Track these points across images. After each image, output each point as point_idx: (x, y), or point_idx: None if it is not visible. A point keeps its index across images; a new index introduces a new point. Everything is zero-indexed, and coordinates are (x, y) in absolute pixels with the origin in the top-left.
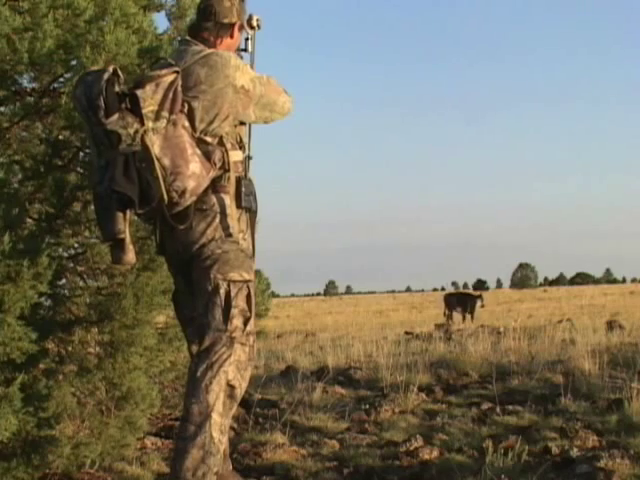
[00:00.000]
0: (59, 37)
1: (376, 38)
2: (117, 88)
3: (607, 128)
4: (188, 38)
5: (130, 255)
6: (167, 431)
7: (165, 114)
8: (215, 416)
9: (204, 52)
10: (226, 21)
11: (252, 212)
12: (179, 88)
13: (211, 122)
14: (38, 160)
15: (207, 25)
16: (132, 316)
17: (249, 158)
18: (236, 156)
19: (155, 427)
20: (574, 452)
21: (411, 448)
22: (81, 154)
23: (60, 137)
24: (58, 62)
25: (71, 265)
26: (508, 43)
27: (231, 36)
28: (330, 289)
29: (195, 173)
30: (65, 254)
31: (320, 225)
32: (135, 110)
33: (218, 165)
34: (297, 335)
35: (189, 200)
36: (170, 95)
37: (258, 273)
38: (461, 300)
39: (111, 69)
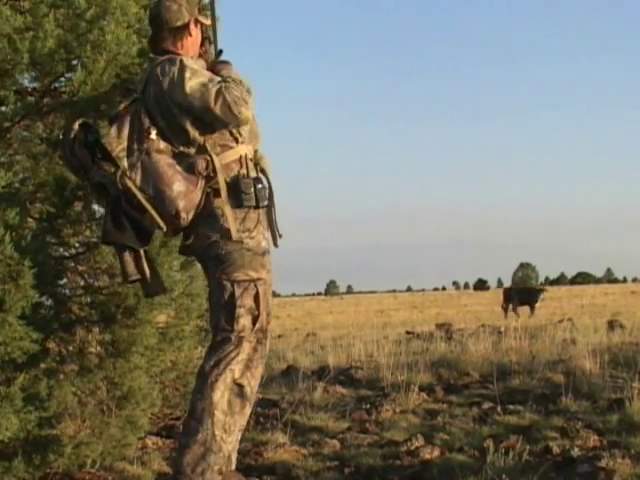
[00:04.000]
0: (60, 37)
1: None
2: (90, 138)
3: (608, 129)
4: (151, 55)
5: (153, 289)
6: (168, 431)
7: (136, 146)
8: (218, 414)
9: (153, 69)
10: (179, 24)
11: (264, 207)
12: (142, 114)
13: (182, 134)
14: (39, 160)
15: (162, 35)
16: (133, 316)
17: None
18: (229, 157)
19: (156, 427)
20: (575, 452)
21: (412, 448)
22: None
23: (61, 137)
24: (59, 62)
25: (72, 265)
26: (510, 45)
27: (189, 34)
28: (331, 289)
29: (181, 192)
30: (66, 253)
31: (321, 224)
32: (107, 156)
33: (204, 174)
34: (298, 335)
35: (188, 217)
36: (136, 124)
37: None
38: (521, 294)
39: (76, 125)
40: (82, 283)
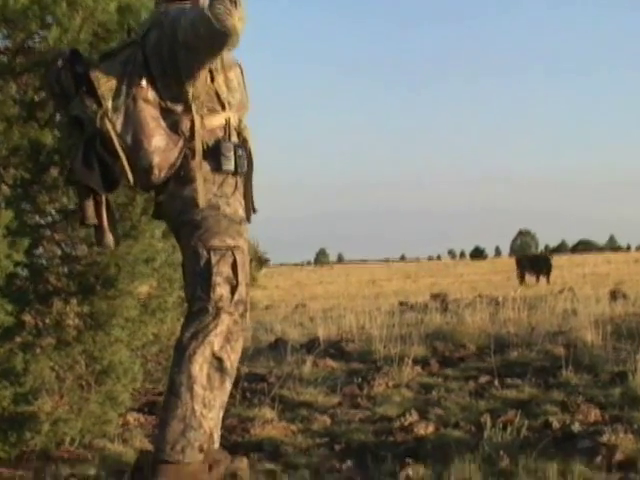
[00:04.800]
0: None
1: None
2: (79, 69)
3: (609, 94)
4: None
5: (107, 239)
6: (150, 407)
7: (124, 90)
8: (198, 388)
9: (157, 14)
10: None
11: (242, 174)
12: (137, 59)
13: (174, 85)
14: (12, 122)
15: None
16: (113, 286)
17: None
18: (214, 121)
19: (138, 402)
20: (576, 427)
21: (406, 423)
22: (58, 116)
23: (35, 98)
24: (32, 19)
25: (48, 233)
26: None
27: None
28: (321, 257)
29: (159, 147)
30: (42, 221)
31: (310, 189)
32: (92, 92)
33: (187, 134)
34: (286, 306)
35: (161, 175)
36: (128, 68)
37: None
38: (535, 262)
39: (68, 51)
40: (59, 252)
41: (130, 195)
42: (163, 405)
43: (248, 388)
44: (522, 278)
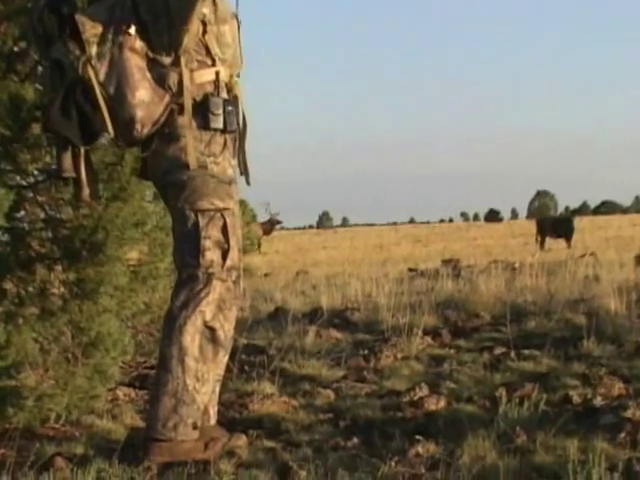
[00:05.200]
0: None
1: None
2: (64, 10)
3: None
4: None
5: (85, 193)
6: (141, 381)
7: (111, 36)
8: (189, 361)
9: None
10: None
11: (232, 132)
12: (127, 4)
13: (165, 33)
14: None
15: None
16: (101, 252)
17: (237, 76)
18: (204, 76)
19: (128, 376)
20: (597, 401)
21: (415, 398)
22: (39, 68)
23: (15, 49)
24: None
25: (30, 195)
26: None
27: None
28: (324, 221)
29: (144, 101)
30: (24, 182)
31: (313, 150)
32: (76, 36)
33: (174, 89)
34: (287, 273)
35: (143, 131)
36: (117, 13)
37: (242, 204)
38: (556, 224)
39: None
40: (42, 215)
41: (119, 154)
42: (154, 380)
43: (246, 361)
44: (542, 242)
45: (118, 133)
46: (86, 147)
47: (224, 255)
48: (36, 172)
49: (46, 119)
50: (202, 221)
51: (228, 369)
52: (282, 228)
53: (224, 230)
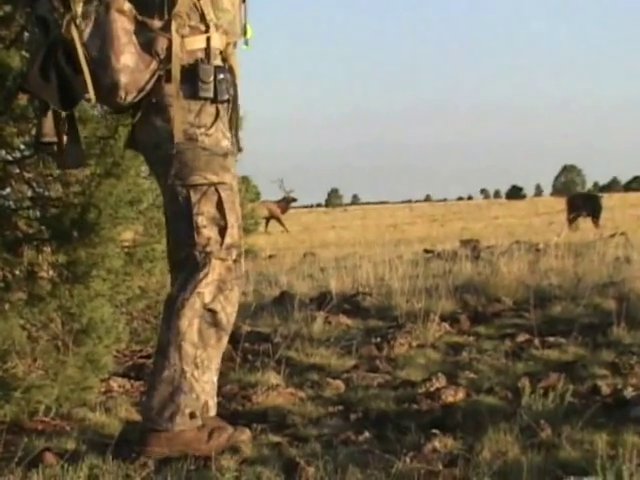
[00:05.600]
0: None
1: None
2: None
3: None
4: None
5: (69, 160)
6: (137, 371)
7: None
8: (187, 346)
9: None
10: None
11: (224, 102)
12: None
13: None
14: None
15: None
16: (93, 232)
17: (246, 43)
18: (196, 43)
19: (122, 366)
20: (628, 392)
21: (432, 389)
22: (26, 34)
23: (0, 13)
24: None
25: (17, 171)
26: None
27: None
28: (333, 199)
29: (128, 66)
30: (10, 157)
31: (321, 121)
32: None
33: (162, 55)
34: (293, 255)
35: (127, 98)
36: None
37: (245, 180)
38: (588, 201)
39: None
40: (30, 193)
41: (111, 127)
42: (152, 369)
43: (250, 349)
44: (572, 221)
45: (101, 98)
46: (66, 111)
47: (222, 232)
48: (23, 146)
49: (23, 79)
50: (194, 197)
51: (231, 359)
52: None
53: (219, 206)
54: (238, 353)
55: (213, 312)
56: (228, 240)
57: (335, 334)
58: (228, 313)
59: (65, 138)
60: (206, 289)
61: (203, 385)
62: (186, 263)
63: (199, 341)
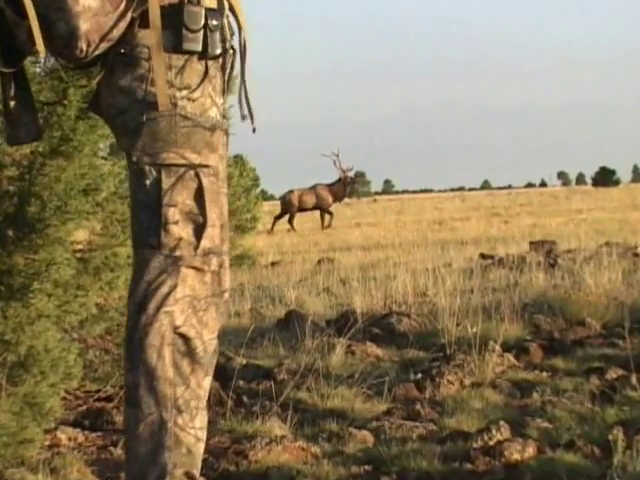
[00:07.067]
0: None
1: None
2: None
3: None
4: None
5: (22, 132)
6: (93, 418)
7: None
8: (162, 387)
9: None
10: None
11: (216, 58)
12: None
13: None
14: None
15: None
16: (34, 232)
17: None
18: None
19: (74, 412)
20: None
21: (491, 442)
22: None
23: None
24: None
25: None
26: None
27: None
28: (359, 185)
29: (90, 8)
30: None
31: (332, 77)
32: None
33: None
34: (304, 261)
35: (89, 50)
36: None
37: (240, 160)
38: None
39: None
40: None
41: (58, 89)
42: (123, 421)
43: (245, 389)
44: None
45: (54, 50)
46: (9, 69)
47: (199, 232)
48: None
49: None
50: (166, 181)
51: (219, 401)
52: None
53: (199, 196)
54: (229, 394)
55: (185, 337)
56: (206, 243)
57: (360, 368)
58: (205, 338)
59: (12, 104)
60: (176, 307)
61: (196, 433)
62: (148, 269)
63: (177, 376)
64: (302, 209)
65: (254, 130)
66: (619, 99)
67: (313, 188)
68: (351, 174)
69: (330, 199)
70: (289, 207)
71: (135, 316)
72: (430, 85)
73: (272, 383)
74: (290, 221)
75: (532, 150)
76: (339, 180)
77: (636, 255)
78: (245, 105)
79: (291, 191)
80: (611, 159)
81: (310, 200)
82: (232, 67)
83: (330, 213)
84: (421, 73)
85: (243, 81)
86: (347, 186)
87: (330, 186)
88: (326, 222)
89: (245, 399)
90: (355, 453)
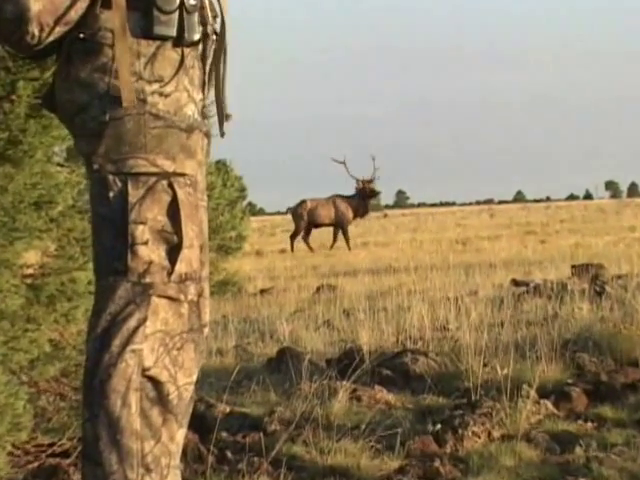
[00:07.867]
0: None
1: None
2: None
3: None
4: None
5: None
6: (46, 477)
7: None
8: (127, 440)
9: None
10: None
11: (194, 45)
12: None
13: None
14: None
15: None
16: None
17: None
18: None
19: (23, 470)
20: None
21: None
22: None
23: None
24: None
25: None
26: None
27: None
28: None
29: None
30: None
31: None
32: None
33: None
34: (301, 288)
35: (42, 35)
36: None
37: (223, 167)
38: None
39: None
40: None
41: (5, 81)
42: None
43: (230, 443)
44: None
45: (1, 37)
46: None
47: (173, 254)
48: None
49: None
50: (133, 193)
51: (198, 457)
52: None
53: (173, 210)
54: (210, 448)
55: (155, 381)
56: (182, 267)
57: (368, 418)
58: (179, 382)
59: None
60: (145, 344)
61: None
62: (109, 301)
63: (145, 428)
64: (316, 224)
65: (222, 134)
66: None
67: (331, 199)
68: (372, 184)
69: (350, 215)
70: (299, 221)
71: (96, 355)
72: (453, 74)
73: (261, 435)
74: (305, 239)
75: (575, 155)
76: (357, 191)
77: None
78: (216, 104)
79: (303, 201)
80: None
81: (326, 214)
82: (215, 56)
83: (346, 233)
84: (439, 62)
85: (218, 74)
86: (368, 198)
87: (349, 198)
88: (337, 242)
89: (229, 454)
90: None
